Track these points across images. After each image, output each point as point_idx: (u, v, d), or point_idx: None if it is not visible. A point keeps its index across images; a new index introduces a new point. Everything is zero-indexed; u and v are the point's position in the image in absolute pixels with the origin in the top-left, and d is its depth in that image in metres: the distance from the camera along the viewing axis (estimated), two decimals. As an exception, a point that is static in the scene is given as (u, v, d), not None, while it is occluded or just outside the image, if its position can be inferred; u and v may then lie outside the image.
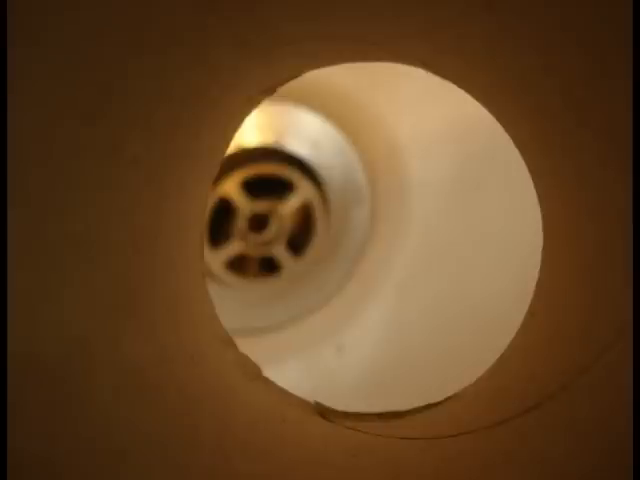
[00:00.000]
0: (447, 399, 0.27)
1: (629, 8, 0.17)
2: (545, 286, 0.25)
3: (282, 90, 0.28)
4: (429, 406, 0.27)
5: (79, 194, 0.21)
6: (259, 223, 0.62)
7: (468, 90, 0.26)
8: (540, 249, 0.25)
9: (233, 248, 0.62)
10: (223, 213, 0.61)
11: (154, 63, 0.22)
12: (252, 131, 0.61)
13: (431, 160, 0.58)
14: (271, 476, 0.24)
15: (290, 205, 0.62)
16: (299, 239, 0.63)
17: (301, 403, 0.27)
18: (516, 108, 0.24)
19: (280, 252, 0.63)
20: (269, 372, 0.28)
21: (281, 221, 0.62)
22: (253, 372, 0.27)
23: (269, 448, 0.25)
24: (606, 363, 0.21)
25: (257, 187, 0.62)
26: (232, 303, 0.61)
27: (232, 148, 0.52)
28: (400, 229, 0.59)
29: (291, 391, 0.28)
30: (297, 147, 0.61)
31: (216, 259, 0.62)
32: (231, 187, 0.61)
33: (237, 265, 0.63)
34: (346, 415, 0.27)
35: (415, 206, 0.58)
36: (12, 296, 0.19)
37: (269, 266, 0.63)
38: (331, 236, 0.63)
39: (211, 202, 0.59)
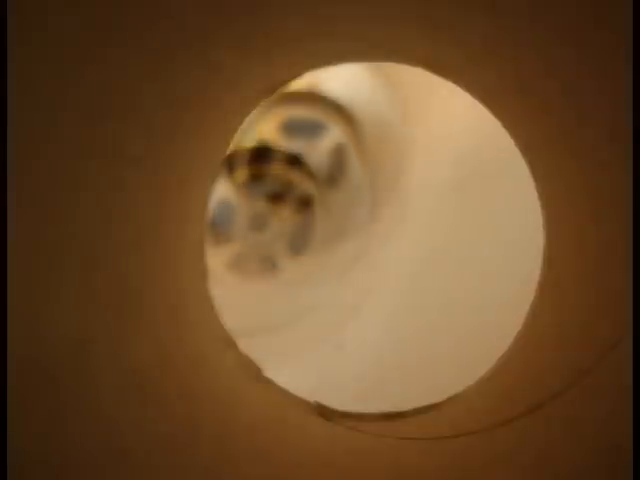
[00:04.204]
0: (448, 399, 0.27)
1: (629, 8, 0.17)
2: (546, 286, 0.25)
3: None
4: (429, 406, 0.27)
5: (79, 194, 0.21)
6: (259, 223, 0.62)
7: (468, 90, 0.26)
8: (541, 249, 0.25)
9: (233, 248, 0.62)
10: (223, 213, 0.61)
11: (155, 63, 0.22)
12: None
13: (431, 160, 0.58)
14: (271, 476, 0.24)
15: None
16: (299, 239, 0.63)
17: (301, 403, 0.27)
18: (517, 108, 0.24)
19: (280, 252, 0.62)
20: (269, 372, 0.28)
21: (281, 221, 0.62)
22: (254, 372, 0.27)
23: (269, 448, 0.25)
24: (607, 364, 0.21)
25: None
26: (232, 303, 0.61)
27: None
28: (400, 229, 0.59)
29: (291, 391, 0.28)
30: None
31: (216, 259, 0.61)
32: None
33: (237, 265, 0.63)
34: (346, 415, 0.27)
35: (415, 206, 0.58)
36: (12, 296, 0.19)
37: (269, 266, 0.63)
38: (331, 236, 0.63)
39: (211, 202, 0.59)
